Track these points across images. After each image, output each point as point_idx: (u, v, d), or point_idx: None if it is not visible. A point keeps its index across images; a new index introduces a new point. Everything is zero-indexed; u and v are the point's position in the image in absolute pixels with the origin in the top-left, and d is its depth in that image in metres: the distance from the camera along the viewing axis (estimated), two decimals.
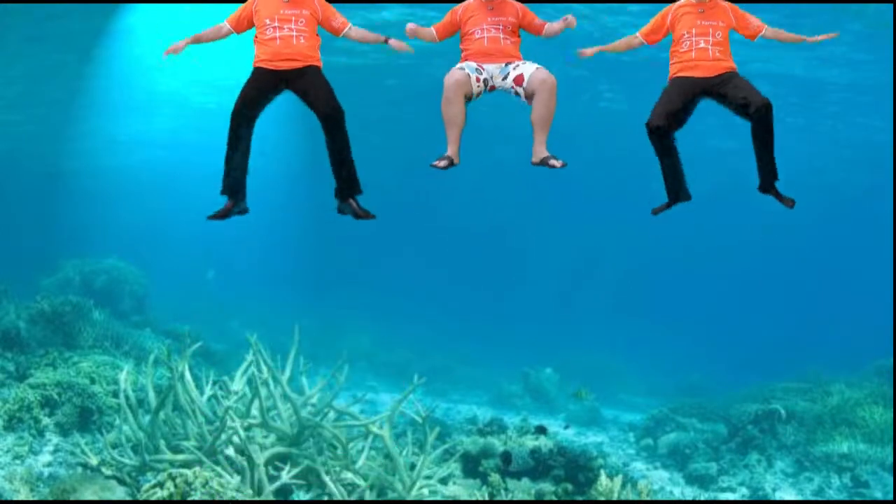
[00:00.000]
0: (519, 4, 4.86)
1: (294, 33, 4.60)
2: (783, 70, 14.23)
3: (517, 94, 4.74)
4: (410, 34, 4.91)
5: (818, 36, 4.83)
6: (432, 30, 4.95)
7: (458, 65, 4.75)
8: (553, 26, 4.91)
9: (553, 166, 4.56)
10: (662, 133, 4.61)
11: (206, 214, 4.75)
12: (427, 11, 11.48)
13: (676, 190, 4.82)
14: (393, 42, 4.91)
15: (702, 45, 4.60)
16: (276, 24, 4.59)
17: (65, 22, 12.11)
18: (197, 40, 4.89)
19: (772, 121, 4.48)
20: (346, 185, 4.69)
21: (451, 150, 4.68)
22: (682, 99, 4.60)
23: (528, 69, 4.67)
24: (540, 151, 4.64)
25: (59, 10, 11.48)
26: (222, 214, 4.68)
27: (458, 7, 4.87)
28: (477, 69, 4.72)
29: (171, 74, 15.91)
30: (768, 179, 4.66)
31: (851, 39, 12.43)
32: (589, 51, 5.03)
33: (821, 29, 13.15)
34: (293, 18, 4.62)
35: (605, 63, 14.18)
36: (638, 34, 4.85)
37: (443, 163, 4.65)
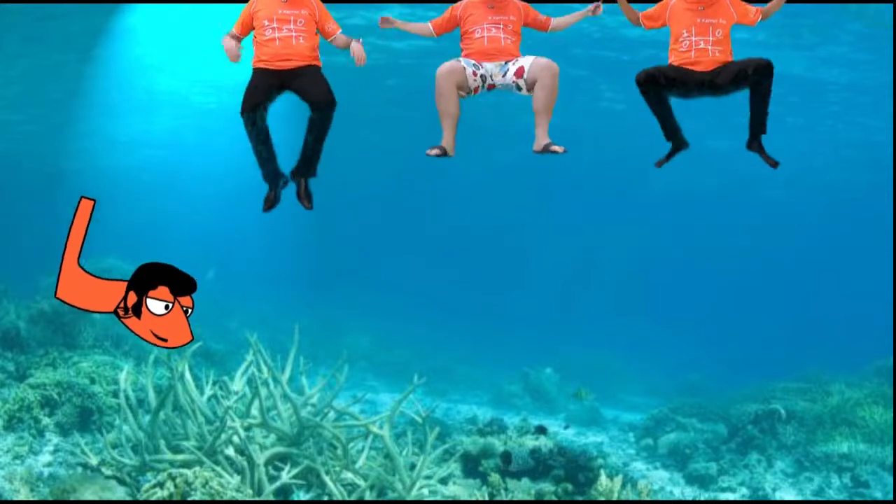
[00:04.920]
0: (521, 3, 4.81)
1: (293, 34, 4.59)
2: (783, 70, 14.13)
3: (518, 87, 4.71)
4: (385, 24, 4.93)
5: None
6: (429, 25, 4.91)
7: (455, 60, 4.72)
8: (565, 18, 4.89)
9: (555, 152, 4.54)
10: (650, 86, 4.57)
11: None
12: (427, 11, 11.46)
13: (674, 137, 4.79)
14: (354, 46, 4.73)
15: (701, 45, 4.55)
16: (275, 25, 4.58)
17: (65, 22, 12.10)
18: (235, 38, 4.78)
19: (772, 80, 4.47)
20: (307, 165, 4.80)
21: (445, 141, 4.67)
22: (678, 74, 4.56)
23: (528, 60, 4.68)
24: (542, 139, 4.60)
25: (59, 10, 11.47)
26: (272, 202, 4.88)
27: (459, 4, 4.80)
28: (475, 65, 4.70)
29: (171, 74, 15.89)
30: (757, 132, 4.65)
31: (851, 39, 12.41)
32: None
33: (821, 29, 13.04)
34: (292, 19, 4.60)
35: (605, 63, 14.18)
36: (640, 14, 4.79)
37: (435, 151, 4.63)
